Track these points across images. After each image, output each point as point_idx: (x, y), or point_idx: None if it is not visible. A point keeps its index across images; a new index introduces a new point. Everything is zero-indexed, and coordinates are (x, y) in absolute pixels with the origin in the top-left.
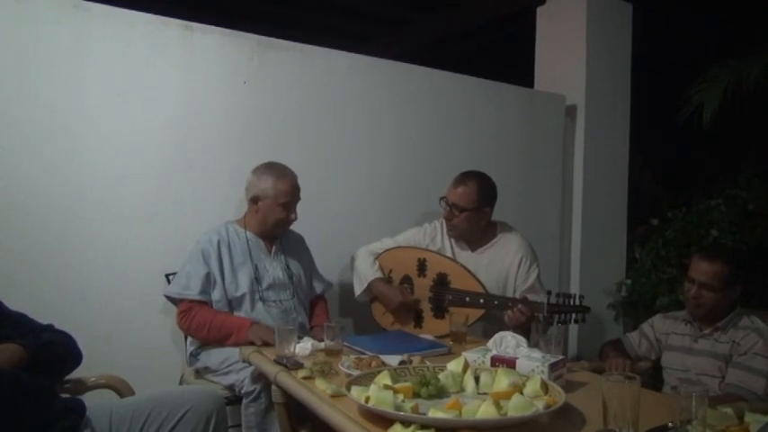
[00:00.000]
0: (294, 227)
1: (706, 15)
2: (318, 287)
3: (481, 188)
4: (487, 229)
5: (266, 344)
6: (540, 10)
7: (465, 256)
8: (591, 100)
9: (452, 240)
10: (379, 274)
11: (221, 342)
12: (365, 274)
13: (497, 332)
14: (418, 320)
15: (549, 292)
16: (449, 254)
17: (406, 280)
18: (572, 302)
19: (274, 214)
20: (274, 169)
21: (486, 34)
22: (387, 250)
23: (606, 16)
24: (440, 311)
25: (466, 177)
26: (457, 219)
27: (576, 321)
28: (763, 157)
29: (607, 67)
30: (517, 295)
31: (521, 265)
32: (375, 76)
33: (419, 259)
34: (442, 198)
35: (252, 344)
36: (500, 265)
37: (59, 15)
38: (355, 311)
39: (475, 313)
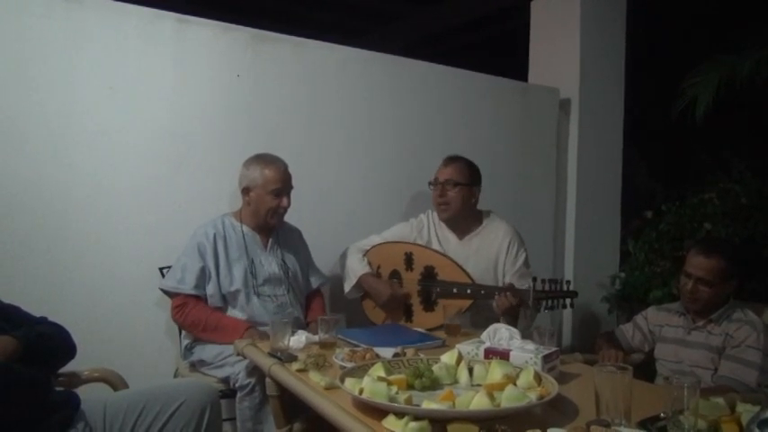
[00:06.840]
0: (289, 220)
1: (700, 9)
2: (315, 281)
3: (471, 166)
4: (474, 215)
5: None
6: (533, 4)
7: (453, 244)
8: (585, 93)
9: (439, 231)
10: (367, 269)
11: (214, 340)
12: (354, 270)
13: (485, 321)
14: (408, 315)
15: (534, 279)
16: (436, 245)
17: (395, 275)
18: (558, 288)
19: (265, 203)
20: (262, 158)
21: (480, 28)
22: (374, 246)
23: (600, 10)
24: (429, 304)
25: (454, 158)
26: (451, 192)
27: (563, 307)
28: (755, 150)
29: (601, 61)
30: (506, 279)
31: (509, 250)
32: (369, 69)
33: (406, 253)
34: (430, 183)
35: None
36: (489, 250)
37: (50, 8)
38: (347, 308)
39: (463, 304)
